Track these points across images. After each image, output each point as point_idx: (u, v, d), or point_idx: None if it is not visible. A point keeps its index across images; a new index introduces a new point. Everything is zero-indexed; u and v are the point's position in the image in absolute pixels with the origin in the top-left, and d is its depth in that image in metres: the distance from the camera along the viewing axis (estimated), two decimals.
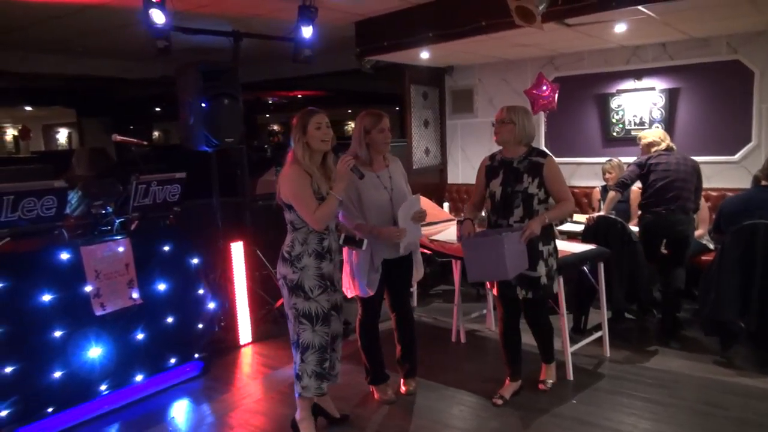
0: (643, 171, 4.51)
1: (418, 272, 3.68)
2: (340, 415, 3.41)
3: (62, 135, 16.23)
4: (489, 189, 3.49)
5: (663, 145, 4.57)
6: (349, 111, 17.99)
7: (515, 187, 3.37)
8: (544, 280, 3.39)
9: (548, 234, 3.41)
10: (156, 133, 16.98)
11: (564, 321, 3.87)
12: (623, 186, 4.62)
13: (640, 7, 4.13)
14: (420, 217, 3.42)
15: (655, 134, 4.67)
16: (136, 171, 3.89)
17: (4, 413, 3.17)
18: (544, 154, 3.44)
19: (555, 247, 3.49)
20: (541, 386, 3.70)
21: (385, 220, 3.37)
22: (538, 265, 3.36)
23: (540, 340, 3.73)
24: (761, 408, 3.42)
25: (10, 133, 17.45)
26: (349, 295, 3.54)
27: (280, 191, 3.06)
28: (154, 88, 9.85)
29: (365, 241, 3.21)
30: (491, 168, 3.52)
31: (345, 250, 3.44)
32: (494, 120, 3.48)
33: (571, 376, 3.87)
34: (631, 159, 5.77)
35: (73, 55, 7.84)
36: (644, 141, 4.67)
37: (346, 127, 20.02)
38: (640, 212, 4.64)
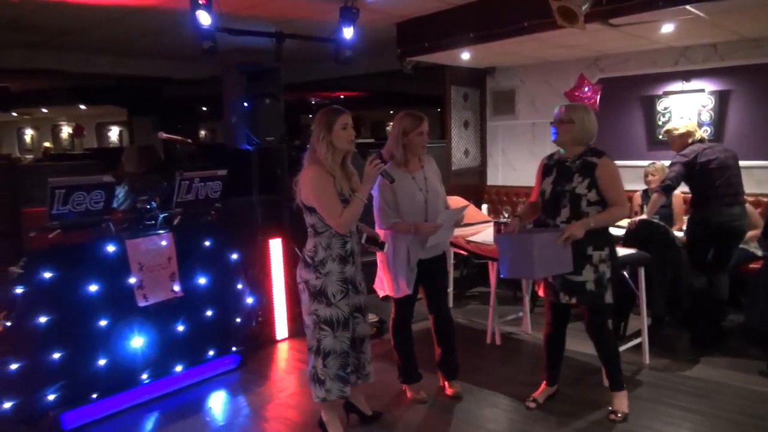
0: (693, 170, 4.29)
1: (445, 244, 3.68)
2: (372, 413, 3.42)
3: (114, 133, 16.79)
4: (541, 187, 3.37)
5: (698, 135, 4.42)
6: (391, 112, 18.03)
7: (564, 186, 3.25)
8: (590, 286, 3.20)
9: (602, 238, 3.23)
10: (202, 132, 17.38)
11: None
12: (669, 188, 4.40)
13: (688, 7, 4.02)
14: (458, 223, 3.54)
15: (689, 124, 4.49)
16: (182, 168, 4.01)
17: (51, 397, 3.33)
18: (599, 154, 3.24)
19: (611, 254, 3.25)
20: (611, 416, 3.36)
21: (418, 219, 3.37)
22: (584, 269, 3.20)
23: (601, 360, 3.44)
24: None
25: (66, 131, 18.18)
26: (381, 295, 3.56)
27: (300, 193, 2.98)
28: (201, 88, 10.10)
29: (387, 243, 3.21)
30: (547, 167, 3.39)
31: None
32: (553, 119, 3.32)
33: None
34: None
35: (126, 56, 8.14)
36: (677, 132, 4.47)
37: (387, 128, 20.11)
38: (691, 212, 4.45)
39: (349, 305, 3.05)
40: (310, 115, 20.02)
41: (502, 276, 3.44)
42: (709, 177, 4.25)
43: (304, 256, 3.04)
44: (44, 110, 15.82)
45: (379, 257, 3.48)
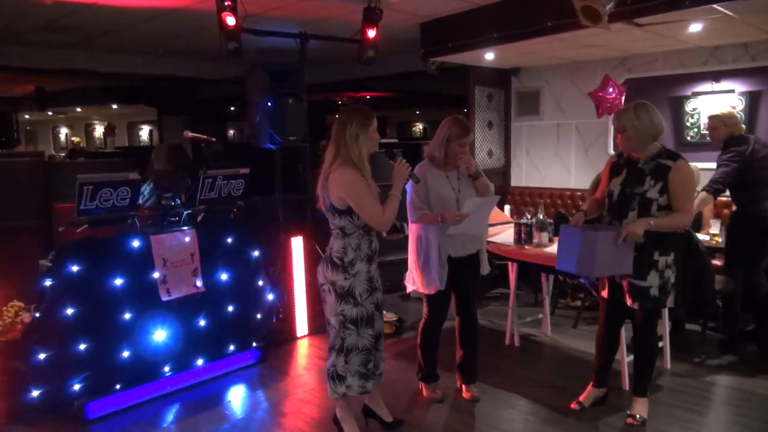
0: (747, 166, 4.10)
1: (483, 268, 3.65)
2: (392, 419, 3.34)
3: (144, 132, 17.16)
4: (609, 187, 3.25)
5: (741, 126, 4.32)
6: (417, 112, 18.03)
7: (635, 188, 3.13)
8: (654, 292, 3.12)
9: (668, 243, 3.13)
10: (231, 132, 17.63)
11: (621, 331, 3.75)
12: (719, 191, 4.25)
13: (716, 6, 3.94)
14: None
15: (734, 114, 4.35)
16: (206, 167, 4.10)
17: (77, 387, 3.44)
18: (675, 157, 3.10)
19: (676, 259, 3.17)
20: (629, 420, 3.32)
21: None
22: (649, 274, 3.12)
23: (639, 364, 3.37)
24: None
25: (99, 129, 18.63)
26: (409, 290, 3.59)
27: (330, 196, 2.92)
28: (229, 87, 10.27)
29: (406, 227, 3.29)
30: (616, 165, 3.28)
31: (411, 245, 3.49)
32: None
33: (627, 386, 3.75)
34: (706, 164, 5.53)
35: (156, 57, 8.32)
36: (724, 118, 4.30)
37: (414, 128, 20.10)
38: (738, 211, 4.29)
39: (373, 303, 3.08)
40: (336, 115, 20.16)
41: (558, 268, 3.38)
42: (763, 173, 4.11)
43: (330, 257, 3.00)
44: (78, 109, 16.23)
45: (411, 253, 3.51)
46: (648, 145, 3.13)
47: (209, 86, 10.97)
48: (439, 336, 3.64)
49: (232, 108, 14.55)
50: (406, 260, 3.60)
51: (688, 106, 5.80)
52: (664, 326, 4.07)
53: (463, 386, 3.74)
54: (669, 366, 4.07)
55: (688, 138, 5.83)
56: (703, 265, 4.13)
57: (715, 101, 5.61)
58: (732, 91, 5.50)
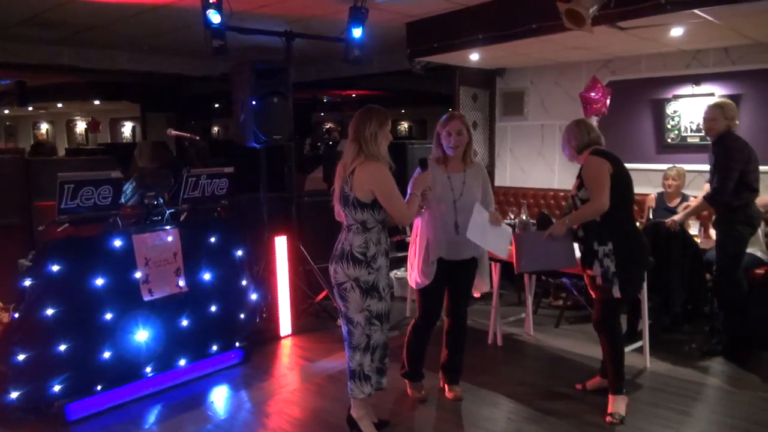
0: (744, 170, 4.02)
1: (483, 282, 3.62)
2: (378, 420, 3.32)
3: (127, 128, 16.96)
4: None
5: (737, 121, 4.20)
6: (402, 111, 18.04)
7: (574, 192, 3.51)
8: (599, 280, 3.35)
9: (604, 234, 3.32)
10: (215, 129, 17.51)
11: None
12: (720, 203, 4.16)
13: (696, 11, 3.99)
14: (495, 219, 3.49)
15: (735, 106, 4.22)
16: (190, 165, 4.07)
17: (57, 388, 3.40)
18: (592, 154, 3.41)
19: (615, 249, 3.30)
20: (608, 419, 3.36)
21: (445, 220, 3.38)
22: (593, 264, 3.36)
23: (604, 354, 3.53)
24: None
25: (81, 126, 18.39)
26: (411, 281, 3.57)
27: (355, 189, 2.92)
28: (214, 85, 10.20)
29: (408, 230, 3.30)
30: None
31: (415, 237, 3.49)
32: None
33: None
34: (688, 166, 5.61)
35: (141, 53, 8.24)
36: (723, 110, 4.10)
37: (399, 127, 20.11)
38: (732, 215, 4.14)
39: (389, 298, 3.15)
40: (322, 113, 20.13)
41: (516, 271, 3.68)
42: (757, 172, 4.12)
43: (352, 253, 2.96)
44: (59, 105, 16.02)
45: (414, 239, 3.52)
46: (583, 154, 3.45)
47: (194, 83, 10.88)
48: (428, 338, 3.61)
49: (217, 105, 14.47)
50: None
51: (669, 109, 5.88)
52: (644, 324, 4.12)
53: (446, 386, 3.75)
54: (649, 364, 4.12)
55: (669, 140, 5.91)
56: (699, 262, 4.20)
57: (696, 104, 5.69)
58: (712, 94, 5.58)
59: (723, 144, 4.12)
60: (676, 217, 4.42)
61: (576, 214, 3.42)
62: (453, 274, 3.47)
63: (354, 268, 2.96)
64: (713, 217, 4.45)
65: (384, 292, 3.05)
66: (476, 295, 3.70)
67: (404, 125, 19.71)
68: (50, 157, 8.55)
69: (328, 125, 19.85)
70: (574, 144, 3.48)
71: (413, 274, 3.47)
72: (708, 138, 4.36)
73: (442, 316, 3.63)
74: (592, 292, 3.51)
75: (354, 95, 15.11)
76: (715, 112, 4.17)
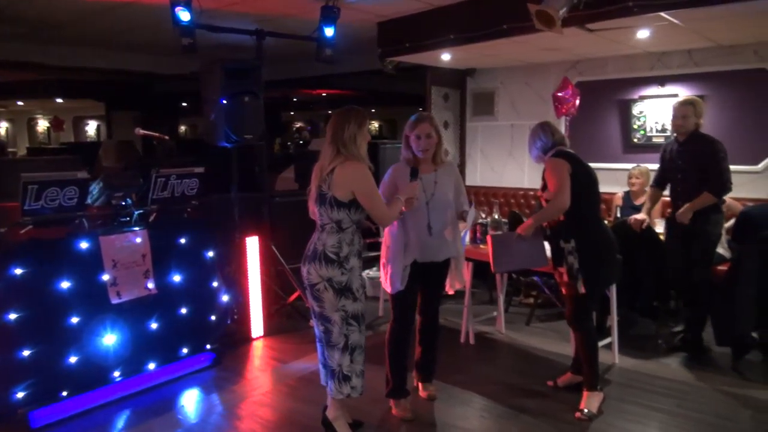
0: None
1: (459, 280, 3.57)
2: (352, 420, 3.32)
3: (91, 127, 16.59)
4: None
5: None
6: (373, 110, 18.04)
7: (539, 193, 3.61)
8: (565, 277, 3.46)
9: (568, 231, 3.43)
10: (183, 128, 17.26)
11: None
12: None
13: (661, 14, 4.09)
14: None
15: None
16: (158, 165, 3.99)
17: (20, 395, 3.30)
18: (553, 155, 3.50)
19: (578, 246, 3.40)
20: (577, 415, 3.42)
21: (418, 221, 3.31)
22: (562, 262, 3.47)
23: (578, 351, 3.62)
24: None
25: (43, 124, 17.91)
26: (386, 286, 3.46)
27: (333, 188, 2.91)
28: (182, 83, 10.03)
29: (382, 231, 3.28)
30: None
31: (386, 241, 3.41)
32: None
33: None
34: (655, 165, 5.72)
35: (107, 50, 8.07)
36: (695, 107, 4.12)
37: (370, 127, 20.10)
38: (715, 211, 4.16)
39: (365, 300, 3.13)
40: (292, 113, 19.99)
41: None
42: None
43: (324, 253, 2.95)
44: (20, 103, 15.57)
45: (383, 255, 3.45)
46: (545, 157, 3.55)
47: (161, 81, 10.69)
48: (407, 345, 3.48)
49: (185, 104, 14.24)
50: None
51: (635, 109, 6.01)
52: (613, 320, 4.20)
53: (420, 384, 3.75)
54: (617, 360, 4.21)
55: (635, 140, 6.04)
56: (665, 258, 4.30)
57: (661, 105, 5.83)
58: (676, 95, 5.71)
59: (702, 143, 4.11)
60: (639, 216, 4.44)
61: (539, 214, 3.54)
62: (426, 275, 3.43)
63: (326, 268, 2.94)
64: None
65: (358, 293, 3.03)
66: (450, 291, 3.68)
67: (374, 125, 19.73)
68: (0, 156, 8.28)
69: (299, 124, 19.75)
70: (540, 146, 3.55)
71: (387, 278, 3.39)
72: (677, 137, 4.30)
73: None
74: (563, 289, 3.58)
75: (324, 94, 15.04)
76: (686, 109, 4.15)
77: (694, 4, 3.86)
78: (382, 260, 3.46)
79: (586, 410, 3.42)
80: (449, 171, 3.49)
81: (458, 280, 3.57)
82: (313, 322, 3.15)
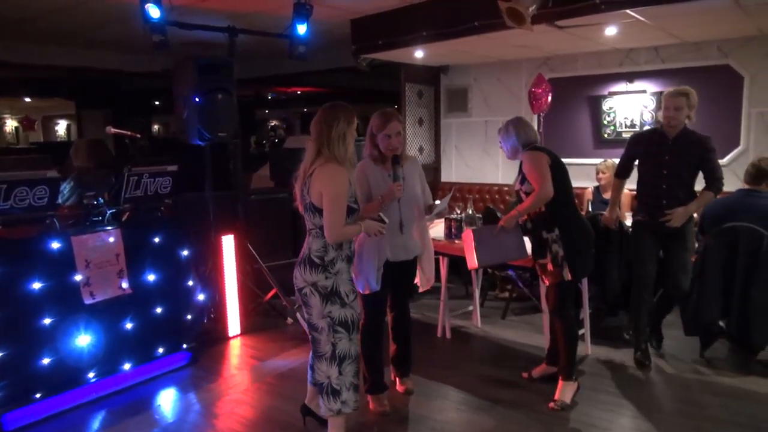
0: None
1: (428, 279, 3.57)
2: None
3: (61, 127, 16.29)
4: None
5: None
6: None
7: (517, 187, 3.66)
8: (550, 266, 3.52)
9: (550, 221, 3.50)
10: (156, 127, 17.04)
11: (546, 318, 3.94)
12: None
13: (629, 11, 4.18)
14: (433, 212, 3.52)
15: None
16: (132, 163, 3.95)
17: None
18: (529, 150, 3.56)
19: (561, 234, 3.47)
20: (551, 405, 3.48)
21: (390, 217, 3.21)
22: (545, 252, 3.54)
23: (559, 341, 3.61)
24: (739, 408, 3.48)
25: (11, 124, 17.50)
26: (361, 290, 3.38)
27: (311, 193, 2.78)
28: (154, 81, 9.91)
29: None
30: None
31: (357, 244, 3.28)
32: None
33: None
34: None
35: (75, 47, 7.92)
36: (690, 99, 3.84)
37: None
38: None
39: (359, 306, 2.99)
40: (267, 110, 19.87)
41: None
42: None
43: (309, 257, 2.84)
44: None
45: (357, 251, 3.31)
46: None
47: (133, 79, 10.55)
48: (380, 340, 3.50)
49: (157, 102, 14.07)
50: None
51: (605, 105, 6.12)
52: (585, 312, 4.29)
53: (397, 379, 3.77)
54: (590, 351, 4.30)
55: (606, 135, 6.15)
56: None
57: (629, 101, 5.96)
58: (644, 91, 5.85)
59: (695, 138, 3.87)
60: (609, 214, 4.35)
61: (524, 205, 3.53)
62: (397, 274, 3.41)
63: (310, 273, 2.83)
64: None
65: (347, 298, 2.88)
66: (422, 289, 3.69)
67: None
68: None
69: (274, 122, 19.63)
70: (515, 141, 3.59)
71: (361, 280, 3.31)
72: (665, 130, 3.90)
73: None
74: (545, 281, 3.62)
75: (299, 92, 15.00)
76: (679, 101, 3.80)
77: (659, 2, 3.96)
78: (356, 263, 3.30)
79: (559, 401, 3.49)
80: (414, 166, 3.49)
81: (427, 279, 3.56)
82: (303, 323, 3.11)
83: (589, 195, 5.75)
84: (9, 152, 12.19)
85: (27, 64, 7.77)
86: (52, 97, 12.86)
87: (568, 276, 3.47)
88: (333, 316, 2.85)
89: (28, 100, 13.79)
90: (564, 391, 3.53)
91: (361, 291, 3.31)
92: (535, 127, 6.35)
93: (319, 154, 2.81)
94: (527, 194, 3.53)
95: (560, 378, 3.57)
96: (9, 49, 7.37)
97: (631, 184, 4.72)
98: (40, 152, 10.17)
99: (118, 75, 9.61)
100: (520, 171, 3.59)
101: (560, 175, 3.51)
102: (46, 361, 3.45)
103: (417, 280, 3.65)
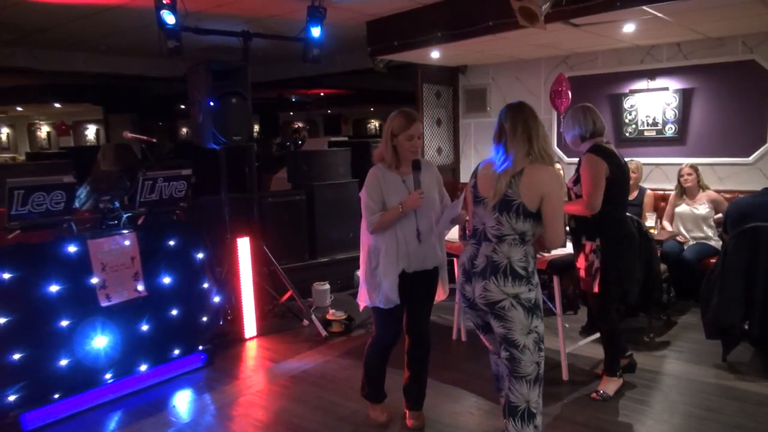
0: None
1: (444, 290, 3.33)
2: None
3: (90, 131, 16.64)
4: None
5: None
6: (371, 109, 18.06)
7: (570, 184, 3.66)
8: (582, 272, 3.56)
9: (594, 230, 3.49)
10: (184, 130, 17.28)
11: (560, 321, 3.88)
12: None
13: (645, 7, 4.09)
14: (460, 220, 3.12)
15: None
16: (147, 168, 4.01)
17: (11, 398, 3.33)
18: None
19: (601, 246, 3.44)
20: (593, 395, 3.60)
21: (406, 226, 3.06)
22: (581, 255, 3.58)
23: (603, 345, 3.71)
24: (757, 413, 3.38)
25: (45, 129, 17.99)
26: (362, 306, 3.27)
27: (522, 195, 2.54)
28: (178, 85, 10.06)
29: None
30: None
31: (363, 257, 3.18)
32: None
33: (566, 377, 3.87)
34: (646, 159, 5.75)
35: (101, 54, 8.10)
36: None
37: (369, 125, 20.12)
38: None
39: None
40: (291, 113, 20.01)
41: None
42: None
43: (511, 267, 2.57)
44: (19, 108, 15.64)
45: (362, 264, 3.18)
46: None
47: (158, 84, 10.73)
48: (388, 357, 3.29)
49: (183, 106, 14.29)
50: (354, 258, 3.52)
51: (626, 103, 6.00)
52: (558, 311, 4.24)
53: (407, 411, 3.40)
54: (566, 352, 4.21)
55: (627, 134, 6.04)
56: (652, 253, 4.31)
57: (651, 99, 5.83)
58: (666, 88, 5.72)
59: None
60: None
61: (567, 207, 3.38)
62: (414, 287, 3.13)
63: (512, 285, 2.56)
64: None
65: (541, 311, 2.65)
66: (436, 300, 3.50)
67: (374, 123, 19.76)
68: None
69: (297, 124, 19.78)
70: (579, 132, 3.44)
71: (378, 293, 3.08)
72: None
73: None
74: (581, 284, 3.63)
75: (322, 94, 15.07)
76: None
77: None
78: (365, 273, 3.16)
79: (602, 392, 3.59)
80: (431, 170, 3.26)
81: (443, 290, 3.33)
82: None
83: None
84: (40, 157, 12.50)
85: (54, 71, 7.96)
86: (81, 103, 13.16)
87: (595, 288, 3.44)
88: (539, 331, 2.60)
89: (57, 105, 14.14)
90: (608, 385, 3.63)
91: (381, 305, 3.09)
92: (555, 128, 6.36)
93: (531, 151, 2.57)
94: (577, 196, 3.45)
95: (604, 375, 3.68)
96: (35, 56, 7.58)
97: (663, 184, 4.66)
98: (69, 157, 10.41)
99: (142, 80, 9.78)
100: (578, 170, 3.45)
101: (617, 185, 3.37)
102: (63, 362, 3.52)
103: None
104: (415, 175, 3.06)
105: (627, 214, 3.74)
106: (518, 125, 2.58)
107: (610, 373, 3.64)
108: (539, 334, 2.60)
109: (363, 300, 3.20)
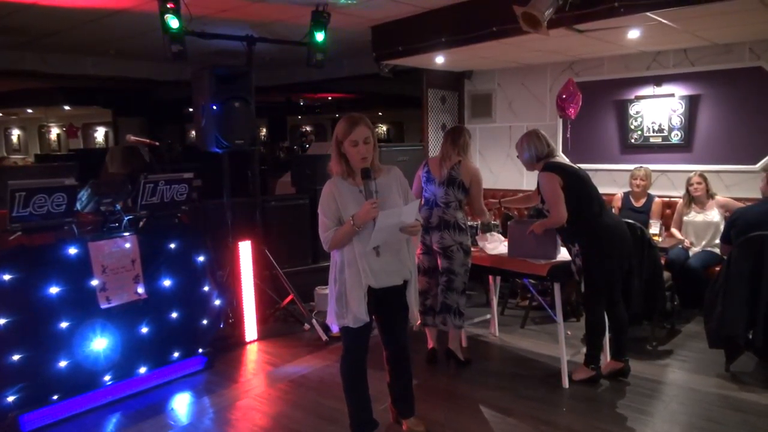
0: None
1: (415, 315, 3.12)
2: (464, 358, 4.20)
3: (99, 134, 16.77)
4: None
5: None
6: (379, 114, 18.07)
7: (539, 204, 3.99)
8: (576, 276, 3.83)
9: (572, 236, 3.80)
10: (192, 133, 17.38)
11: (561, 329, 3.85)
12: None
13: (649, 14, 4.06)
14: (411, 231, 2.91)
15: None
16: (149, 171, 4.03)
17: (10, 399, 3.34)
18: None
19: (579, 249, 3.79)
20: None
21: (365, 240, 2.83)
22: (574, 260, 3.83)
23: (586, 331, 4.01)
24: (760, 424, 3.33)
25: (54, 131, 18.14)
26: (336, 330, 3.02)
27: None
28: (187, 89, 10.12)
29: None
30: None
31: (330, 275, 3.00)
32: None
33: (566, 384, 3.83)
34: (653, 166, 5.71)
35: (110, 57, 8.17)
36: None
37: (378, 130, 20.13)
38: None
39: None
40: (299, 116, 20.07)
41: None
42: None
43: (457, 223, 3.92)
44: (29, 110, 15.80)
45: (331, 279, 2.98)
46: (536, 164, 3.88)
47: (166, 87, 10.80)
48: (365, 375, 3.09)
49: (191, 109, 14.38)
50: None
51: (632, 109, 5.97)
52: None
53: (403, 421, 3.29)
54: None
55: (632, 140, 6.00)
56: (656, 261, 4.28)
57: (657, 105, 5.80)
58: (672, 95, 5.68)
59: None
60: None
61: (541, 223, 3.79)
62: (383, 302, 2.96)
63: (459, 235, 3.93)
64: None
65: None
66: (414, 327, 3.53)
67: (382, 128, 19.76)
68: None
69: (305, 128, 19.83)
70: (532, 153, 3.84)
71: (347, 312, 2.90)
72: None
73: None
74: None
75: (330, 98, 15.12)
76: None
77: (680, 3, 3.84)
78: (333, 292, 2.97)
79: (574, 377, 3.86)
80: (391, 177, 2.98)
81: (414, 315, 3.11)
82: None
83: (617, 202, 5.58)
84: (50, 159, 12.62)
85: (63, 74, 8.04)
86: (90, 106, 13.27)
87: (582, 288, 3.73)
88: (468, 264, 4.02)
89: (67, 108, 14.26)
90: (578, 372, 3.89)
91: (351, 325, 2.91)
92: (561, 134, 6.33)
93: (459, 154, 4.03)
94: (549, 212, 3.74)
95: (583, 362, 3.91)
96: (44, 60, 7.66)
97: (669, 191, 4.63)
98: (78, 159, 10.51)
99: (151, 84, 9.84)
100: (538, 190, 3.83)
101: (575, 191, 3.68)
102: (63, 364, 3.54)
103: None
104: (366, 184, 2.80)
105: (613, 213, 4.21)
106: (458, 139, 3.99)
107: (586, 361, 3.89)
108: (467, 266, 4.02)
109: (332, 322, 3.01)
